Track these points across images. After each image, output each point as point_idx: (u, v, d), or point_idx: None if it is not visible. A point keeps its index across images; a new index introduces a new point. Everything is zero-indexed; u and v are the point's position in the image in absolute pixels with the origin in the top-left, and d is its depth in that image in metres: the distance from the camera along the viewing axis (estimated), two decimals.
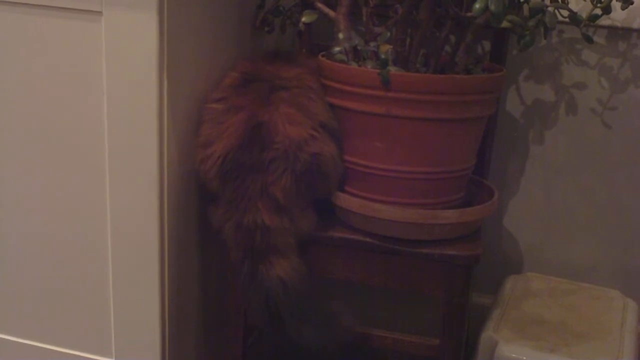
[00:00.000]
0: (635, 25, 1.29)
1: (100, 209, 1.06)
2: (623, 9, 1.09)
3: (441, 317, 1.10)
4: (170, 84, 0.99)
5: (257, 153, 1.02)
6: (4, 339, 1.18)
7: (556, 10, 1.11)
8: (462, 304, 1.09)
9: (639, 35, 1.30)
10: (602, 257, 1.43)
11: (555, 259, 1.45)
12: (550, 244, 1.45)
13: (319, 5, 1.15)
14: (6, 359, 1.19)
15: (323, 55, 1.13)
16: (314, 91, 1.09)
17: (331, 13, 1.13)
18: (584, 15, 1.10)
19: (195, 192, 1.13)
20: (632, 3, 1.09)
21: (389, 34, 1.05)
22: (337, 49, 1.11)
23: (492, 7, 0.89)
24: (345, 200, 1.09)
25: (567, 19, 1.08)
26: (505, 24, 0.96)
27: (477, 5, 0.90)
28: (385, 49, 1.02)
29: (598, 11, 1.10)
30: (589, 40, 1.11)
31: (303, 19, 1.16)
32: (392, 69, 1.02)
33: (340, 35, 1.11)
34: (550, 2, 1.06)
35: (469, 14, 1.00)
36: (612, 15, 1.16)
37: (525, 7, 0.99)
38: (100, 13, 0.96)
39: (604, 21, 1.27)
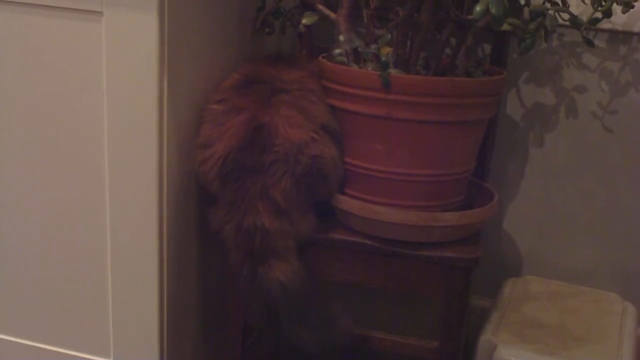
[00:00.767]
0: (635, 29, 1.29)
1: (99, 209, 1.06)
2: (624, 12, 1.09)
3: (440, 319, 1.10)
4: (170, 85, 0.99)
5: (257, 155, 1.02)
6: (2, 339, 1.18)
7: (557, 14, 1.11)
8: (462, 307, 1.09)
9: None
10: (602, 261, 1.43)
11: (555, 262, 1.45)
12: (550, 247, 1.45)
13: (320, 7, 1.15)
14: (4, 359, 1.19)
15: (324, 57, 1.13)
16: (315, 94, 1.09)
17: (332, 15, 1.13)
18: (585, 18, 1.10)
19: (195, 193, 1.13)
20: (632, 7, 1.09)
21: (389, 36, 1.05)
22: (337, 50, 1.11)
23: (493, 10, 0.89)
24: (346, 203, 1.09)
25: (567, 22, 1.08)
26: (506, 26, 0.96)
27: (478, 8, 0.90)
28: (386, 51, 1.02)
29: (599, 14, 1.10)
30: (589, 43, 1.11)
31: (303, 21, 1.15)
32: (393, 71, 1.02)
33: (341, 37, 1.11)
34: (551, 5, 1.06)
35: (469, 17, 1.00)
36: (612, 18, 1.16)
37: (526, 10, 0.99)
38: (100, 13, 0.96)
39: (605, 25, 1.27)
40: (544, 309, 1.30)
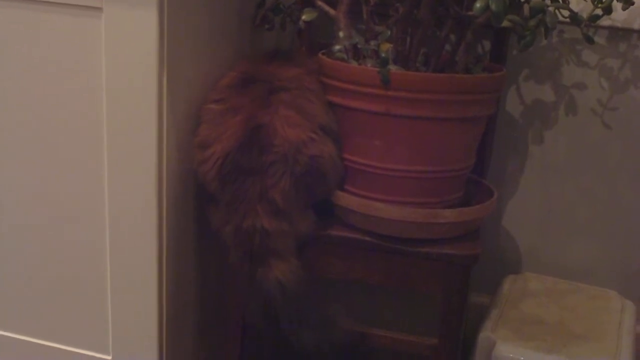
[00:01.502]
0: (635, 26, 1.29)
1: (98, 207, 1.06)
2: (624, 9, 1.09)
3: (439, 316, 1.10)
4: (169, 81, 0.99)
5: (256, 156, 1.02)
6: (2, 335, 1.18)
7: (557, 11, 1.11)
8: (461, 304, 1.09)
9: None
10: (601, 258, 1.43)
11: (554, 259, 1.45)
12: (549, 244, 1.45)
13: (319, 3, 1.15)
14: (4, 356, 1.19)
15: (323, 54, 1.13)
16: (313, 92, 1.09)
17: (331, 11, 1.13)
18: (585, 15, 1.10)
19: (194, 191, 1.13)
20: (632, 3, 1.08)
21: (389, 32, 1.05)
22: (337, 47, 1.11)
23: (493, 7, 0.89)
24: (345, 199, 1.09)
25: (567, 19, 1.08)
26: (505, 23, 0.96)
27: (478, 5, 0.90)
28: (386, 48, 1.02)
29: (599, 11, 1.10)
30: (589, 40, 1.11)
31: (303, 17, 1.15)
32: (392, 68, 1.02)
33: (341, 34, 1.11)
34: (551, 2, 1.06)
35: (469, 13, 1.00)
36: (612, 15, 1.16)
37: (526, 6, 0.99)
38: (100, 9, 0.96)
39: (605, 22, 1.27)
40: (543, 306, 1.30)
